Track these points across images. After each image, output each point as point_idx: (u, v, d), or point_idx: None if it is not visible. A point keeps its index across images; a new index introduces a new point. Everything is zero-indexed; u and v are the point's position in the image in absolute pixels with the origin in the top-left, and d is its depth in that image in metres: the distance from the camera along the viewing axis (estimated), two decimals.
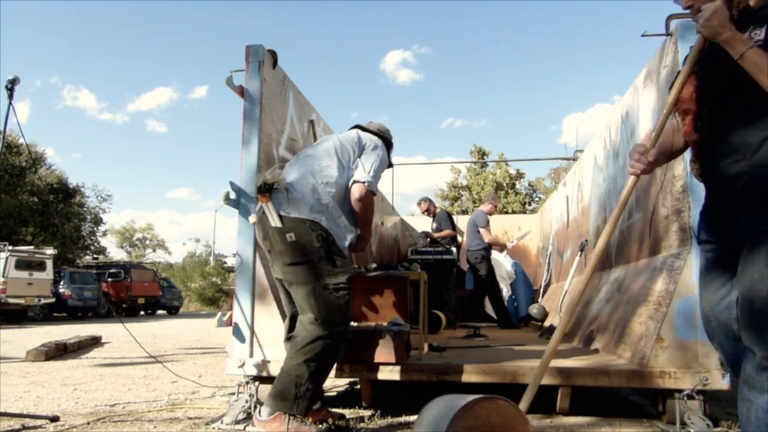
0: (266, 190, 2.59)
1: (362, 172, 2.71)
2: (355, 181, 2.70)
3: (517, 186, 28.77)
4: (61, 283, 16.67)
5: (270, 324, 2.98)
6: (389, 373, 2.85)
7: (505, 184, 27.73)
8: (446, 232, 7.27)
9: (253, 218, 2.71)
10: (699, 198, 2.74)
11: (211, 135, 74.31)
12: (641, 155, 1.84)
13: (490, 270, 6.83)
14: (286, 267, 2.58)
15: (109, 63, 69.70)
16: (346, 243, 2.69)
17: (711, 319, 1.77)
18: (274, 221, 2.53)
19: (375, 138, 2.88)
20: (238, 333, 3.01)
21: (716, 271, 1.75)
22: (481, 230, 6.83)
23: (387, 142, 3.01)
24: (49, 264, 15.52)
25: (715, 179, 1.75)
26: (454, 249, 6.99)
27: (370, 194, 2.72)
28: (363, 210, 2.73)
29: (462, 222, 9.12)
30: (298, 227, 2.53)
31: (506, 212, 23.74)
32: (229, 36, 70.71)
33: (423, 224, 8.77)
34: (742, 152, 1.62)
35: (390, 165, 3.06)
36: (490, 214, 7.14)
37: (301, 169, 2.72)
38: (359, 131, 2.92)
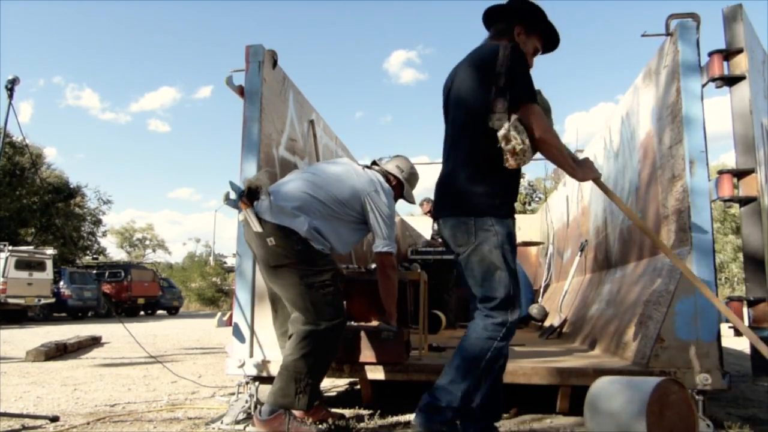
0: (247, 195, 2.57)
1: (381, 240, 2.70)
2: (379, 253, 2.71)
3: None
4: (61, 283, 16.64)
5: (270, 324, 2.98)
6: (389, 373, 2.85)
7: None
8: None
9: (241, 216, 2.70)
10: (699, 198, 2.75)
11: (214, 135, 74.50)
12: None
13: None
14: (270, 269, 2.60)
15: (113, 62, 69.98)
16: (320, 247, 2.61)
17: None
18: (255, 226, 2.54)
19: (386, 187, 2.80)
20: (238, 333, 3.01)
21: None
22: None
23: (407, 181, 2.97)
24: (49, 264, 15.49)
25: None
26: None
27: (393, 259, 2.73)
28: (391, 277, 2.73)
29: None
30: (277, 232, 2.53)
31: None
32: (235, 36, 71.06)
33: (423, 224, 8.76)
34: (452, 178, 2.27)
35: (411, 202, 3.07)
36: None
37: (303, 181, 2.71)
38: (375, 174, 2.84)
